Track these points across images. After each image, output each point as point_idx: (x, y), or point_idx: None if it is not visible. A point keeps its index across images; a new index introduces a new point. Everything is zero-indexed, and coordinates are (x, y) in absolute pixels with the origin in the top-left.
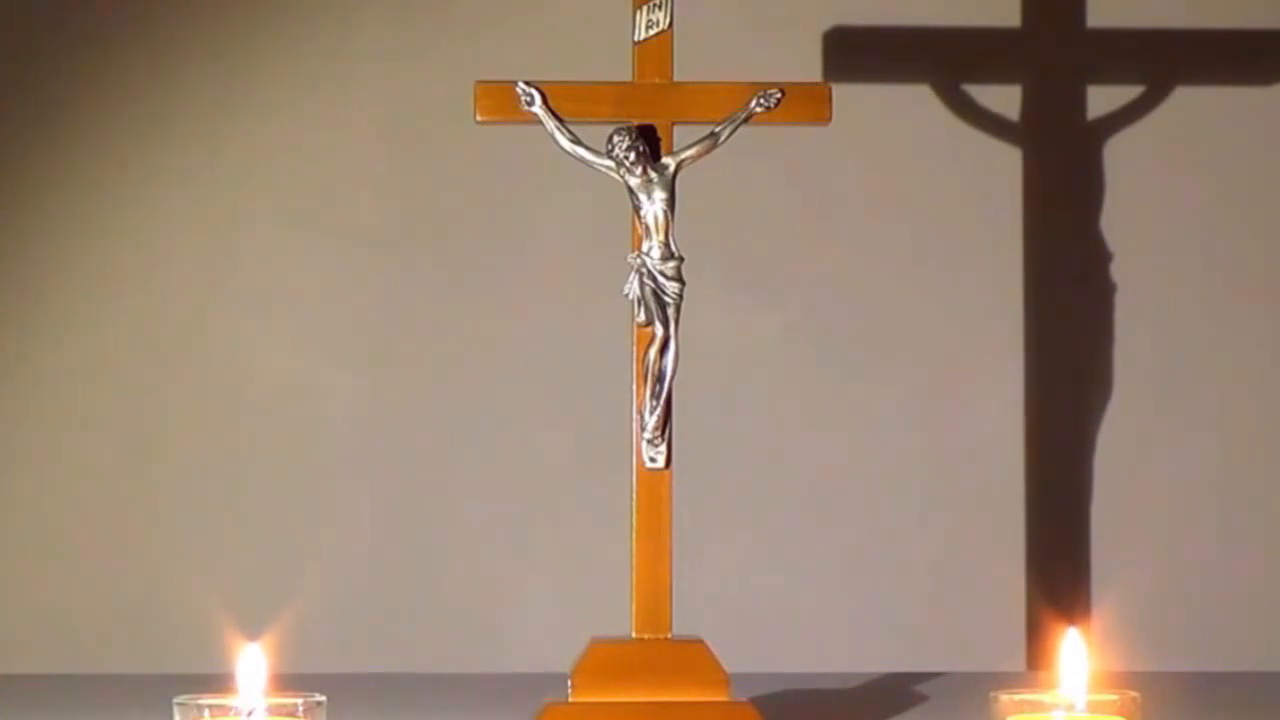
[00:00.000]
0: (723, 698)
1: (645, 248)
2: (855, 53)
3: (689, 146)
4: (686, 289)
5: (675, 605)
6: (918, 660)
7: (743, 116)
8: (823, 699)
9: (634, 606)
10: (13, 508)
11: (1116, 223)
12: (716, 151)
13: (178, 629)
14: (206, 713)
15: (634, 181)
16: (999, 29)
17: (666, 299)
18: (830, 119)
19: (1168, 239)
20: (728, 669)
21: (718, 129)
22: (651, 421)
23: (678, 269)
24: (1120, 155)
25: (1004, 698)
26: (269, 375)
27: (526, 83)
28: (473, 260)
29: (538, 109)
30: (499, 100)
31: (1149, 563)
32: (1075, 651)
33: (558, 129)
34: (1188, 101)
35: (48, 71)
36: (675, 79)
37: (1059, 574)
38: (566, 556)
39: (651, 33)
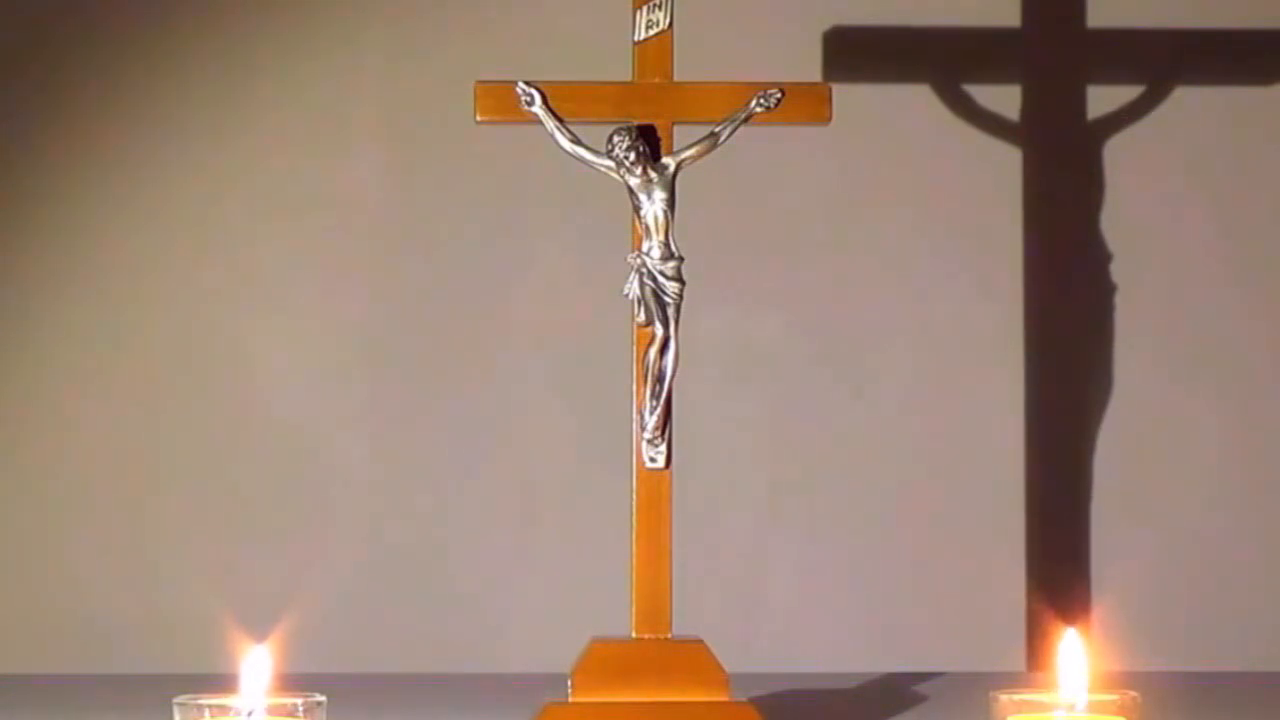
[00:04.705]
0: (723, 698)
1: (645, 248)
2: (855, 53)
3: (689, 146)
4: (686, 289)
5: (675, 605)
6: (918, 660)
7: (743, 116)
8: (823, 699)
9: (634, 606)
10: (14, 508)
11: (1116, 223)
12: (716, 151)
13: (178, 629)
14: (206, 713)
15: (634, 181)
16: (999, 29)
17: (666, 299)
18: (830, 119)
19: (1168, 239)
20: (728, 669)
21: (718, 129)
22: (651, 421)
23: (678, 269)
24: (1120, 155)
25: (1004, 698)
26: (269, 375)
27: (526, 83)
28: (473, 260)
29: (538, 109)
30: (499, 100)
31: (1149, 563)
32: (1075, 652)
33: (558, 129)
34: (1188, 101)
35: (46, 68)
36: (675, 79)
37: (1059, 574)
38: (566, 556)
39: (651, 33)
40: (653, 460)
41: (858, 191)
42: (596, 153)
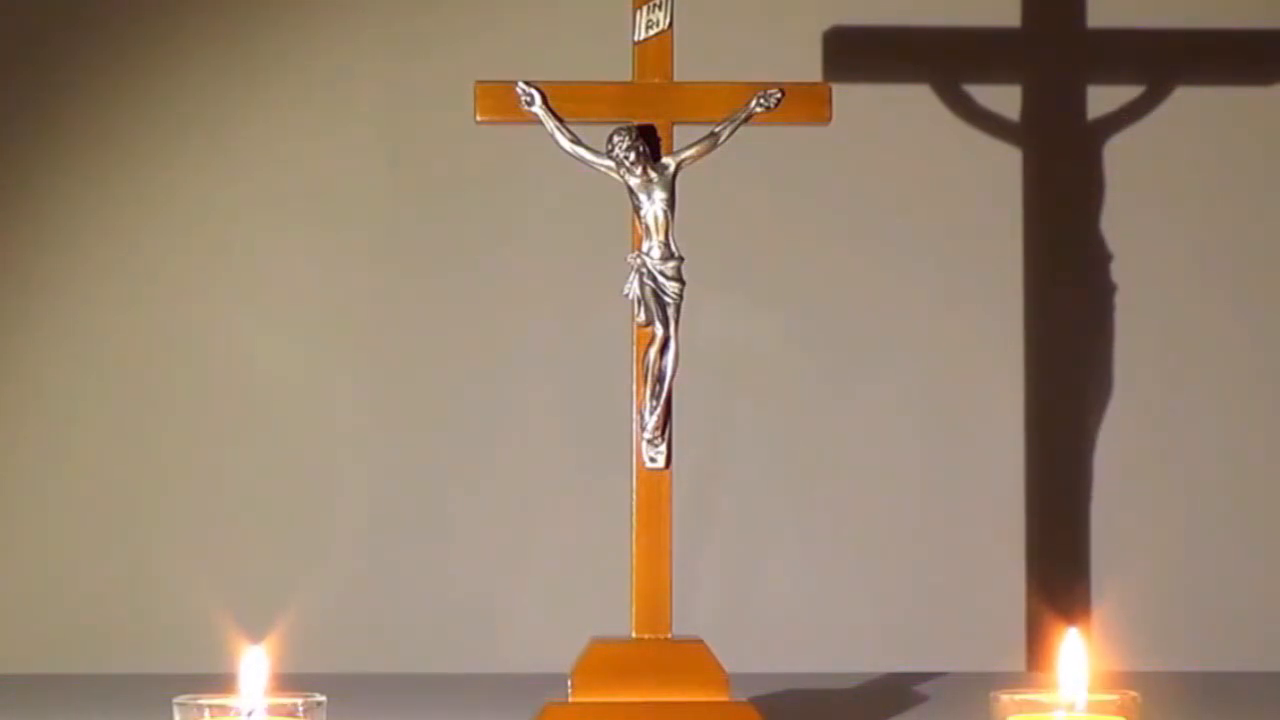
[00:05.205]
0: (723, 698)
1: (645, 248)
2: (855, 53)
3: (689, 146)
4: (686, 289)
5: (675, 605)
6: (918, 660)
7: (743, 116)
8: (823, 699)
9: (634, 606)
10: (13, 508)
11: (1116, 223)
12: (716, 151)
13: (178, 629)
14: (206, 713)
15: (634, 181)
16: (999, 29)
17: (666, 299)
18: (830, 119)
19: (1168, 239)
20: (728, 669)
21: (718, 129)
22: (651, 421)
23: (678, 269)
24: (1120, 155)
25: (1004, 698)
26: (270, 375)
27: (526, 83)
28: (473, 260)
29: (538, 109)
30: (499, 100)
31: (1149, 563)
32: (1075, 651)
33: (558, 129)
34: (1188, 101)
35: (47, 68)
36: (675, 79)
37: (1059, 574)
38: (566, 556)
39: (651, 33)
40: (653, 460)
41: (857, 191)
42: (596, 153)
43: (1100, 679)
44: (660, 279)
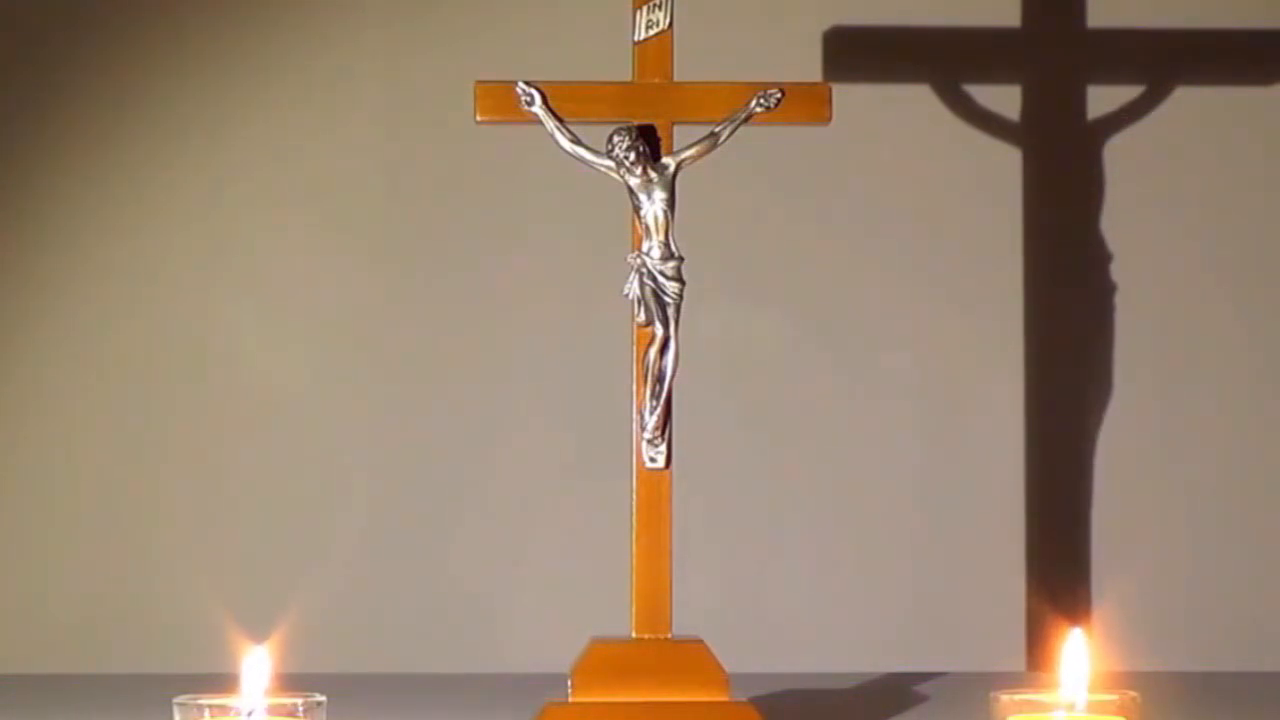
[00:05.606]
0: (723, 698)
1: (645, 248)
2: (855, 53)
3: (689, 146)
4: (686, 289)
5: (675, 605)
6: (918, 660)
7: (743, 116)
8: (823, 699)
9: (634, 606)
10: (13, 508)
11: (1116, 223)
12: (716, 151)
13: (178, 629)
14: (206, 713)
15: (634, 181)
16: (999, 29)
17: (666, 299)
18: (830, 119)
19: (1168, 239)
20: (728, 669)
21: (718, 129)
22: (651, 421)
23: (678, 269)
24: (1120, 155)
25: (1004, 698)
26: (270, 375)
27: (526, 83)
28: (473, 260)
29: (538, 109)
30: (499, 100)
31: (1149, 563)
32: (1076, 651)
33: (558, 129)
34: (1188, 101)
35: (47, 69)
36: (675, 79)
37: (1059, 574)
38: (566, 556)
39: (651, 33)
40: (653, 460)
41: (857, 191)
42: (596, 153)
43: (1100, 679)
44: (660, 279)
